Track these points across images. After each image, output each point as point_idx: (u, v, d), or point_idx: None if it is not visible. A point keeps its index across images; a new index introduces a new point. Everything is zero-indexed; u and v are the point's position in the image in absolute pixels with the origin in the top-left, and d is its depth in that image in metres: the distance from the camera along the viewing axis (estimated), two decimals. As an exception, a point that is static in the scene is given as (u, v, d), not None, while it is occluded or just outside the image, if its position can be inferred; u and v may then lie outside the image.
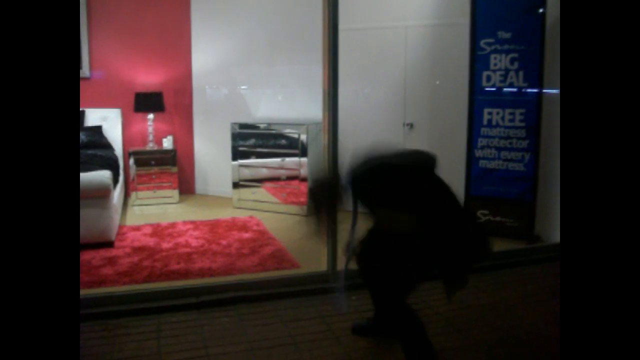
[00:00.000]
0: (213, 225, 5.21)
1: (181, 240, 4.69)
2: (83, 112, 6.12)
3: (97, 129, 6.03)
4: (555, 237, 4.67)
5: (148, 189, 6.17)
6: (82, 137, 5.72)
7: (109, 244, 4.46)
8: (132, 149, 6.19)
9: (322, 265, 3.74)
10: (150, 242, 4.63)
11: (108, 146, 5.90)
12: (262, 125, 5.95)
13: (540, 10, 4.47)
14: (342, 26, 3.67)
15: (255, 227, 5.17)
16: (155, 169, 6.17)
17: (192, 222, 5.30)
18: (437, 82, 5.34)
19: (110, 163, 5.05)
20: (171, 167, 6.23)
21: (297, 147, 5.71)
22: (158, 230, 4.99)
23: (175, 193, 6.28)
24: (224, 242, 4.66)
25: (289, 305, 3.45)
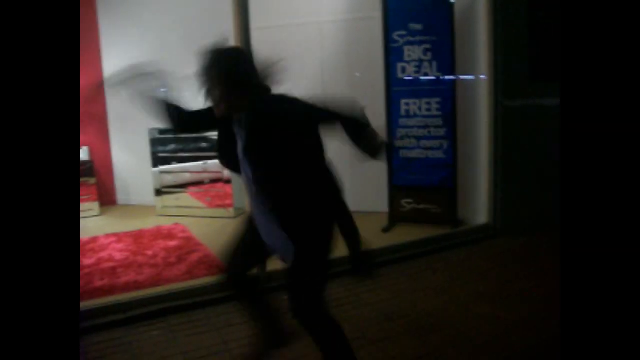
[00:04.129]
0: (137, 236, 5.03)
1: (104, 254, 4.49)
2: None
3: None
4: (478, 220, 4.85)
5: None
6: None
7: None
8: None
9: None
10: (71, 259, 4.40)
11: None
12: (181, 129, 5.80)
13: (450, 2, 4.60)
14: (255, 25, 3.63)
15: (181, 234, 5.03)
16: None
17: (115, 235, 5.09)
18: (357, 74, 5.38)
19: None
20: (88, 178, 5.96)
21: (219, 149, 5.62)
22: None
23: (95, 205, 6.02)
24: (149, 252, 4.50)
25: (220, 311, 3.38)
